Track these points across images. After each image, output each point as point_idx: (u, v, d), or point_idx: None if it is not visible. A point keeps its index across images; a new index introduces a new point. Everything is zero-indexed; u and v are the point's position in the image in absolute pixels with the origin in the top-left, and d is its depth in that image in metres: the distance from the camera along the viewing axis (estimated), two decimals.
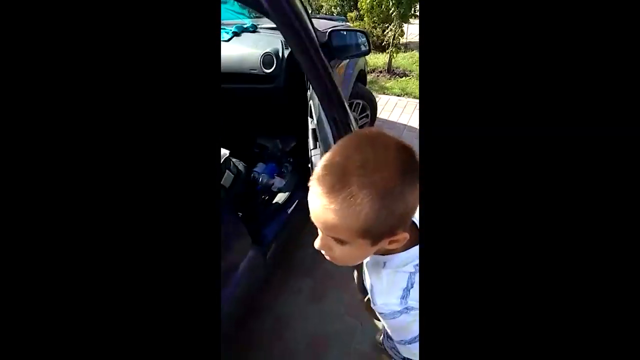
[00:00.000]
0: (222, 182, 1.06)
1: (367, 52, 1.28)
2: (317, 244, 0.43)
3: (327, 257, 0.45)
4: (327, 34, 1.21)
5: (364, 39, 1.23)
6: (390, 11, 2.97)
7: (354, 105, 1.82)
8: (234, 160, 1.14)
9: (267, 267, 1.06)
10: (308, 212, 0.40)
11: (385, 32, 3.33)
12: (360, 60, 1.81)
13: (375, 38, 3.78)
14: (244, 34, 1.33)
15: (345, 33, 1.22)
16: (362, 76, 1.95)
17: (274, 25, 1.39)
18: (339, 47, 1.23)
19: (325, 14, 4.62)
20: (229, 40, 1.30)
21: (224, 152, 1.09)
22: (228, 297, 0.86)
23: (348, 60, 1.57)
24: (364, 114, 1.94)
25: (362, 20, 3.74)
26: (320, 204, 0.37)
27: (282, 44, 1.23)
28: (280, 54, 1.22)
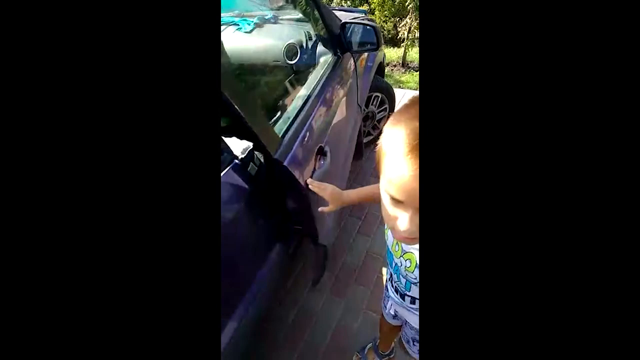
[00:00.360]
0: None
1: (376, 48, 1.22)
2: (405, 225, 0.38)
3: (411, 241, 0.42)
4: (339, 26, 1.18)
5: (373, 33, 1.18)
6: (406, 3, 2.92)
7: (372, 98, 1.80)
8: (256, 152, 1.13)
9: (290, 261, 1.05)
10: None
11: (398, 26, 3.28)
12: (380, 53, 1.78)
13: (386, 32, 3.72)
14: (266, 25, 1.32)
15: (355, 26, 1.18)
16: (381, 69, 1.92)
17: (296, 17, 1.38)
18: (350, 40, 1.19)
19: (335, 7, 4.56)
20: (251, 31, 1.29)
21: (248, 144, 1.08)
22: (255, 292, 0.85)
23: (368, 53, 1.54)
24: (383, 107, 1.91)
25: (373, 14, 3.69)
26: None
27: (305, 35, 1.21)
28: (304, 45, 1.20)
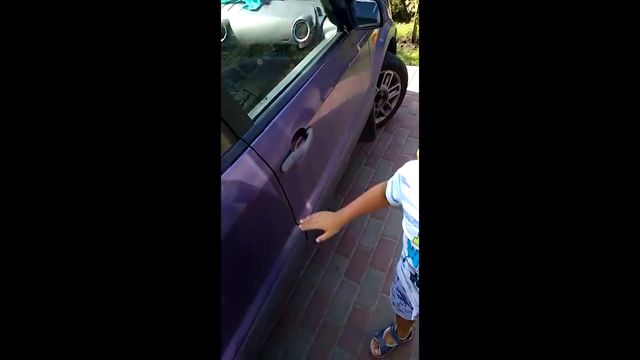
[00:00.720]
0: None
1: (379, 25, 1.12)
2: None
3: None
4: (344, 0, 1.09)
5: (376, 8, 1.08)
6: None
7: (384, 77, 1.73)
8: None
9: (308, 245, 1.04)
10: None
11: (406, 1, 3.12)
12: (392, 28, 1.69)
13: (393, 7, 3.54)
14: (274, 2, 1.25)
15: (359, 0, 1.08)
16: (392, 45, 1.84)
17: None
18: (355, 16, 1.09)
19: None
20: (257, 9, 1.23)
21: None
22: (274, 277, 0.84)
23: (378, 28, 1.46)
24: (395, 86, 1.83)
25: None
26: None
27: (315, 11, 1.14)
28: (314, 22, 1.14)
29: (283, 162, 0.78)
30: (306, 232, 0.96)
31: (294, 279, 1.29)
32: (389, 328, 1.07)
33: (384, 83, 1.76)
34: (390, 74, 1.75)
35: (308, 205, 0.98)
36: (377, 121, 1.85)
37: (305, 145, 0.86)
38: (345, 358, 1.08)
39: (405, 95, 1.99)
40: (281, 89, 0.85)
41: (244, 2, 1.26)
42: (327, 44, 1.07)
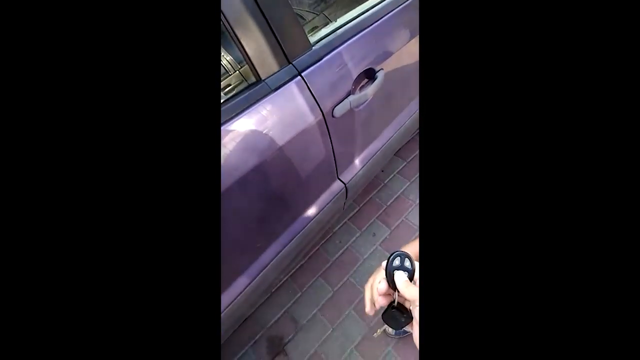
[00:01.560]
0: None
1: None
2: None
3: None
4: None
5: None
6: None
7: None
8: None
9: (346, 204, 0.95)
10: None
11: None
12: None
13: None
14: None
15: None
16: None
17: None
18: None
19: None
20: None
21: None
22: (305, 222, 0.79)
23: None
24: None
25: None
26: None
27: None
28: None
29: (337, 104, 0.65)
30: (347, 191, 0.86)
31: (325, 230, 1.24)
32: None
33: None
34: None
35: (357, 162, 0.86)
36: None
37: (370, 89, 0.71)
38: (359, 323, 1.05)
39: None
40: (358, 12, 0.69)
41: None
42: None
